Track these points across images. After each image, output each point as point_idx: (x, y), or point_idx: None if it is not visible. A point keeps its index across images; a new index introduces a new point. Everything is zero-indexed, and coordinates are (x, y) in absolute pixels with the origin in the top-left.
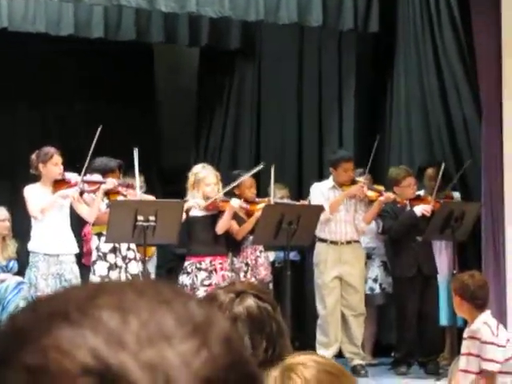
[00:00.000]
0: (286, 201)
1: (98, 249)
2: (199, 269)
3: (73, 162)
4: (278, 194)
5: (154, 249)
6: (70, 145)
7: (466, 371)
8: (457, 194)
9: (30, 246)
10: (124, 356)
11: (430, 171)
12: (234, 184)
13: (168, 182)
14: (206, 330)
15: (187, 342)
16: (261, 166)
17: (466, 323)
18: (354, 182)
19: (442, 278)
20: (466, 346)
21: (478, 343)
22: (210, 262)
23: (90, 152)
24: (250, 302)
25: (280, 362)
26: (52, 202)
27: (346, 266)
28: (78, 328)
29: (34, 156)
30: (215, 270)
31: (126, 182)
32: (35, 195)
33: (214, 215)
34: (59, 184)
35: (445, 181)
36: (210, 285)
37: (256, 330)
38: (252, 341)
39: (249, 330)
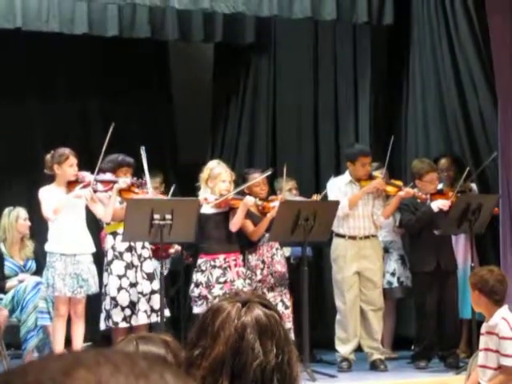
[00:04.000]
0: (298, 198)
1: (113, 248)
2: (213, 266)
3: (87, 160)
4: (286, 187)
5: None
6: (84, 143)
7: (484, 366)
8: (473, 186)
9: (47, 246)
10: None
11: (443, 161)
12: (246, 185)
13: (184, 179)
14: None
15: None
16: (270, 172)
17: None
18: (371, 177)
19: (459, 270)
20: (483, 342)
21: (496, 338)
22: (224, 259)
23: (103, 150)
24: (258, 310)
25: (289, 366)
26: (64, 202)
27: (365, 261)
28: None
29: (48, 156)
30: (229, 266)
31: (139, 180)
32: (49, 197)
33: (226, 212)
34: (73, 184)
35: (462, 172)
36: (225, 282)
37: (265, 337)
38: (263, 347)
39: (259, 338)
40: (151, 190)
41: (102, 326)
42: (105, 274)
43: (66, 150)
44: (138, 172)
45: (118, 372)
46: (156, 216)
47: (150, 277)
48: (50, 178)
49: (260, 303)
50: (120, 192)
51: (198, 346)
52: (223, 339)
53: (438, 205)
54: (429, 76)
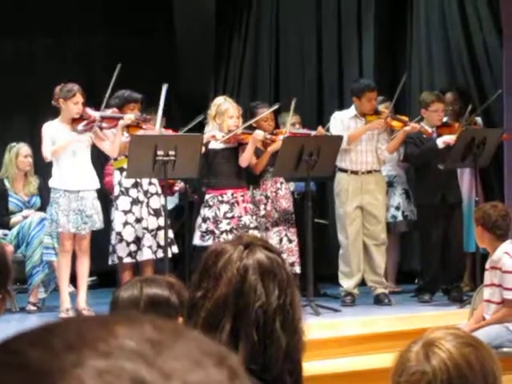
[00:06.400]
0: (301, 130)
1: (120, 184)
2: (221, 201)
3: (92, 97)
4: (290, 121)
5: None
6: (88, 79)
7: (489, 301)
8: (478, 120)
9: (51, 182)
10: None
11: (448, 96)
12: (255, 119)
13: (187, 112)
14: (229, 362)
15: (220, 370)
16: (277, 106)
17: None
18: (376, 112)
19: (463, 204)
20: (488, 277)
21: (499, 273)
22: (232, 194)
23: (110, 86)
24: (260, 252)
25: (291, 308)
26: (65, 145)
27: (368, 195)
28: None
29: (57, 89)
30: (237, 202)
31: (144, 115)
32: (50, 135)
33: (234, 148)
34: (78, 121)
35: (467, 106)
36: (232, 217)
37: (268, 278)
38: (265, 289)
39: (261, 280)
40: (159, 127)
41: (109, 261)
42: (112, 210)
43: (75, 87)
44: (150, 108)
45: (160, 330)
46: (159, 152)
47: (157, 213)
48: (54, 114)
49: (262, 246)
50: (128, 128)
51: (201, 287)
52: (225, 280)
53: (444, 140)
54: (433, 10)
